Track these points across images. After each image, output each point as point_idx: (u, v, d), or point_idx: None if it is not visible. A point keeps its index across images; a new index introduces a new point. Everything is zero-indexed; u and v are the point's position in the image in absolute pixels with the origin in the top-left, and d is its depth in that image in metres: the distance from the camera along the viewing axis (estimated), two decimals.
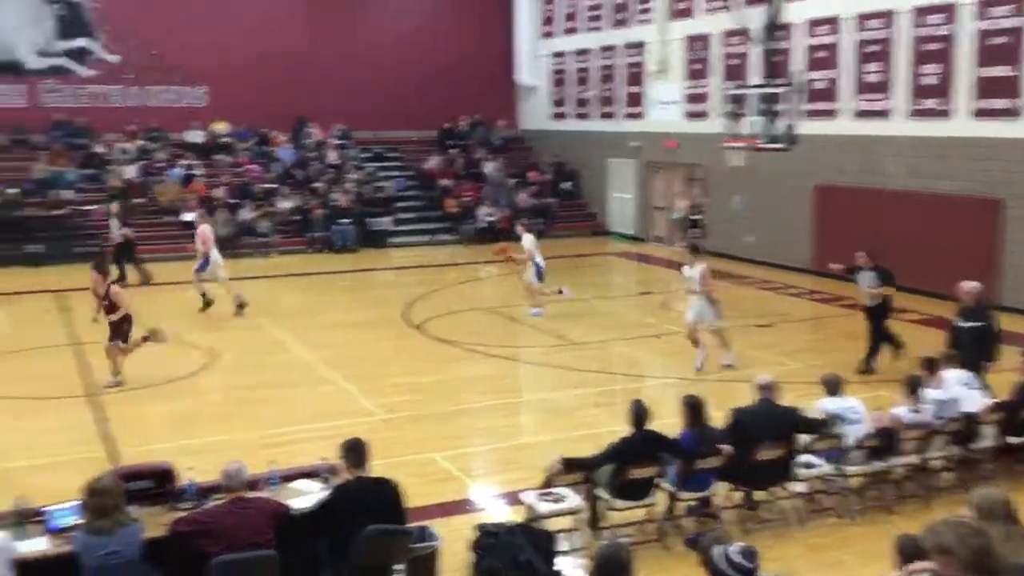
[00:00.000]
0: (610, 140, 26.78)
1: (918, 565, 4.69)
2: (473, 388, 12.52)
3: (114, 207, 20.85)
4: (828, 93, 19.70)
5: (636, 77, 25.72)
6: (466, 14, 29.62)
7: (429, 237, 25.90)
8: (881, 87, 18.64)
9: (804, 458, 8.23)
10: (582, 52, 27.94)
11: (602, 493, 7.60)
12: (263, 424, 10.76)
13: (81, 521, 5.86)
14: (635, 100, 25.83)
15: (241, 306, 16.82)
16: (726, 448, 7.83)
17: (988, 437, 8.91)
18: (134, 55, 26.53)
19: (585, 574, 5.97)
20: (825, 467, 8.30)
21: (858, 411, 8.59)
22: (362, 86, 28.12)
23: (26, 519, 6.16)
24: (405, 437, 10.24)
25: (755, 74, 20.93)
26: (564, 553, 7.19)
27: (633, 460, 7.48)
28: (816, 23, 19.97)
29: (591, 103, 27.72)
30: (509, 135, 30.59)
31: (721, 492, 8.10)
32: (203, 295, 16.84)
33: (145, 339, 12.62)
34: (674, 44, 24.13)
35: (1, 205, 22.96)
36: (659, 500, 7.79)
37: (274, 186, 25.74)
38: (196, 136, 26.91)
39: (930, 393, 8.76)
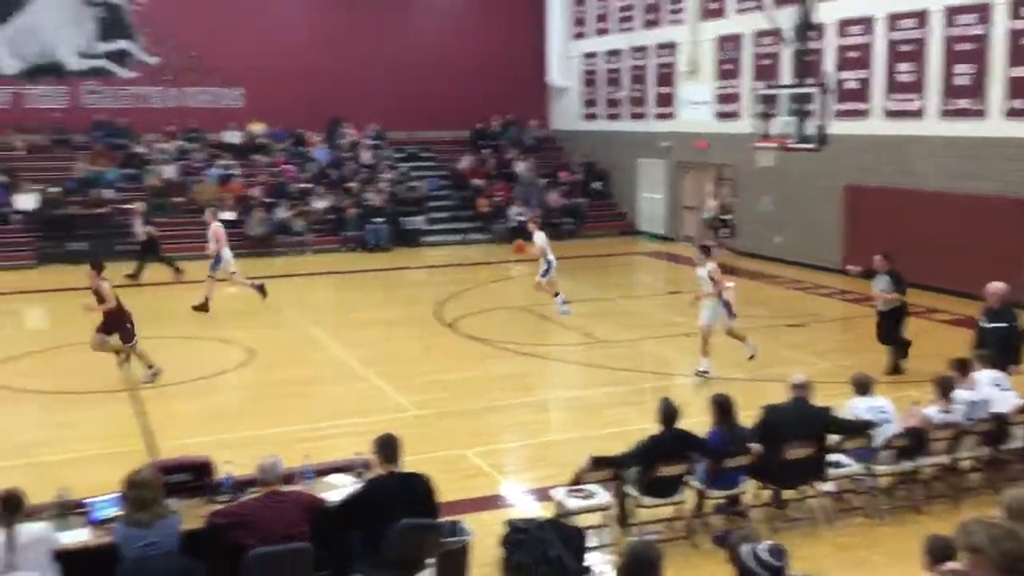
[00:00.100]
0: (640, 140, 26.78)
1: (947, 566, 4.71)
2: (504, 385, 12.63)
3: (138, 206, 21.10)
4: (860, 93, 19.60)
5: (667, 77, 25.70)
6: (498, 15, 29.73)
7: (461, 236, 26.05)
8: (913, 87, 18.52)
9: (833, 457, 8.25)
10: (613, 53, 27.95)
11: (631, 490, 7.67)
12: (298, 419, 10.94)
13: (121, 513, 5.97)
14: (666, 100, 25.82)
15: (261, 289, 17.03)
16: (755, 447, 7.88)
17: (1018, 438, 8.88)
18: (173, 57, 26.93)
19: (614, 570, 6.04)
20: (854, 466, 8.31)
21: (887, 411, 8.59)
22: (396, 87, 28.32)
23: (68, 511, 6.29)
24: (437, 433, 10.37)
25: (786, 74, 20.88)
26: (593, 549, 7.29)
27: (662, 458, 7.54)
28: (848, 23, 19.87)
29: (622, 103, 27.73)
30: (540, 135, 30.66)
31: (750, 490, 8.15)
32: (207, 298, 16.78)
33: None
34: (705, 44, 24.09)
35: (44, 204, 23.41)
36: (687, 498, 7.84)
37: (309, 186, 26.00)
38: (233, 137, 27.25)
39: (961, 394, 8.73)
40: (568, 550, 6.97)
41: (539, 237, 16.64)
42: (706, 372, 12.34)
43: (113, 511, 6.17)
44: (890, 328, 12.79)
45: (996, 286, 10.82)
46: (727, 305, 12.60)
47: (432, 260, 23.68)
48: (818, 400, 8.61)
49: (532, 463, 9.83)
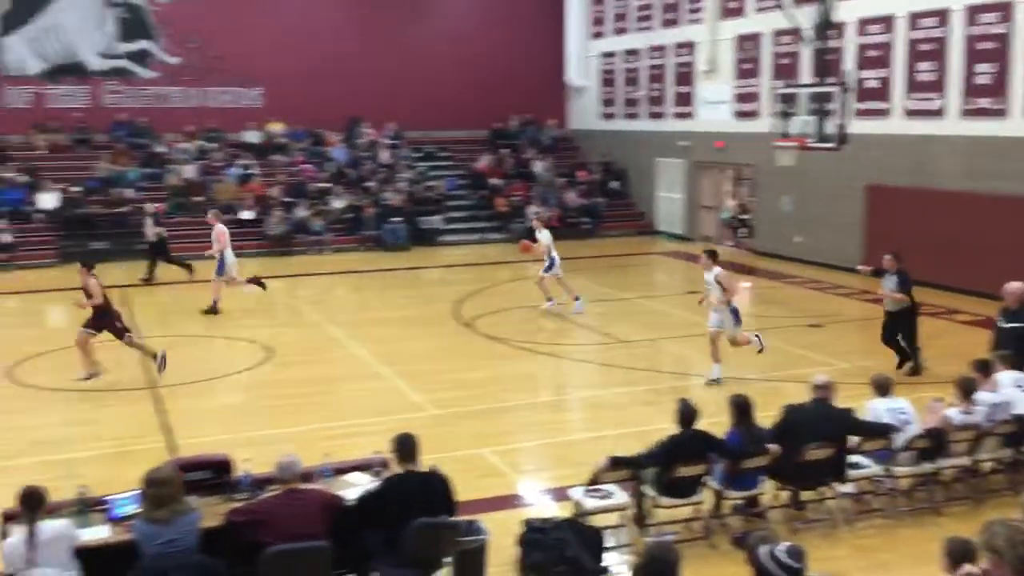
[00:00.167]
0: (659, 140, 26.73)
1: (967, 568, 4.69)
2: (521, 385, 12.64)
3: (148, 207, 21.17)
4: (880, 92, 19.50)
5: (685, 77, 25.64)
6: (516, 15, 29.75)
7: (479, 236, 26.08)
8: (934, 86, 18.40)
9: (852, 458, 8.21)
10: (631, 52, 27.91)
11: (648, 490, 7.66)
12: (317, 418, 10.98)
13: (140, 510, 6.00)
14: (684, 100, 25.76)
15: (259, 282, 17.11)
16: (773, 448, 7.85)
17: None
18: (193, 57, 27.10)
19: (631, 571, 6.03)
20: (874, 468, 8.28)
21: (907, 412, 8.54)
22: (414, 87, 28.39)
23: (88, 507, 6.34)
24: (454, 432, 10.39)
25: (806, 73, 20.82)
26: (611, 549, 7.28)
27: (681, 459, 7.51)
28: (868, 21, 19.76)
29: (640, 103, 27.69)
30: (558, 135, 30.65)
31: (768, 491, 8.11)
32: (215, 301, 16.73)
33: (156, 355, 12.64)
34: (724, 43, 24.02)
35: (65, 203, 23.60)
36: (705, 498, 7.82)
37: (328, 185, 26.11)
38: (253, 136, 27.40)
39: (983, 396, 8.67)
40: (585, 550, 6.96)
41: (544, 235, 16.72)
42: (717, 380, 12.12)
43: (132, 508, 6.21)
44: (895, 329, 12.62)
45: (1015, 286, 10.75)
46: (735, 312, 12.30)
47: (450, 259, 23.72)
48: (837, 401, 8.56)
49: (549, 462, 9.84)
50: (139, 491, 6.02)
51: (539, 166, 28.39)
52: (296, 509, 6.07)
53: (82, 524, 6.12)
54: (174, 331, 15.77)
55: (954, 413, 8.51)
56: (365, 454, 7.34)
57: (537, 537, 7.05)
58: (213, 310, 16.70)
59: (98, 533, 6.13)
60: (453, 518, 6.47)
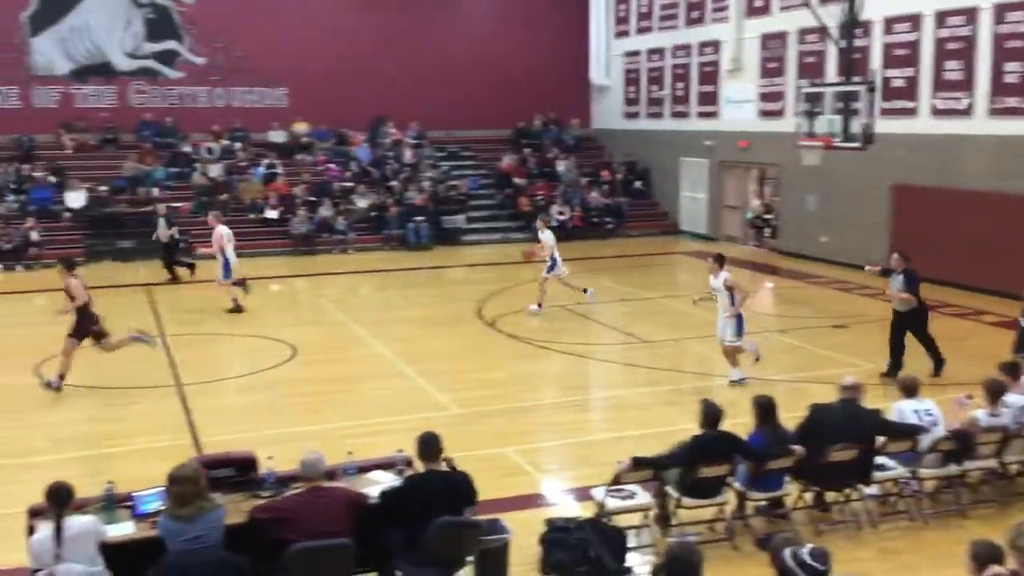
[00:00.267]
0: (683, 139, 26.64)
1: (994, 570, 4.66)
2: (544, 384, 12.64)
3: (160, 208, 21.27)
4: (907, 91, 19.33)
5: (710, 76, 25.54)
6: (540, 14, 29.73)
7: (502, 235, 26.09)
8: (962, 85, 18.22)
9: (878, 460, 8.16)
10: (655, 51, 27.83)
11: (672, 491, 7.64)
12: (340, 416, 11.03)
13: (165, 507, 6.05)
14: (708, 99, 25.65)
15: (242, 283, 17.05)
16: (798, 449, 7.81)
17: None
18: (219, 57, 27.29)
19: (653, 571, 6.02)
20: (899, 469, 8.22)
21: (934, 413, 8.47)
22: (438, 87, 28.44)
23: (115, 504, 6.38)
24: (477, 431, 10.40)
25: (832, 72, 20.69)
26: (633, 550, 7.27)
27: (705, 460, 7.49)
28: (895, 20, 19.60)
29: (664, 102, 27.60)
30: (582, 134, 30.61)
31: (792, 493, 8.07)
32: (235, 299, 16.85)
33: (135, 339, 12.56)
34: (749, 42, 23.91)
35: (93, 202, 23.83)
36: (729, 499, 7.79)
37: (351, 184, 26.22)
38: (278, 136, 27.56)
39: (1012, 398, 8.58)
40: (608, 550, 6.97)
41: (546, 236, 16.70)
42: (741, 381, 12.01)
43: (157, 505, 6.25)
44: (903, 329, 12.36)
45: None
46: (739, 320, 11.99)
47: (472, 259, 23.75)
48: (863, 402, 8.50)
49: (572, 462, 9.83)
50: (164, 488, 6.06)
51: (562, 165, 28.38)
52: (320, 507, 6.09)
53: (108, 520, 6.16)
54: (199, 330, 15.91)
55: (981, 415, 8.45)
56: (388, 452, 7.36)
57: (559, 537, 7.07)
58: (237, 309, 16.78)
59: (124, 529, 6.17)
60: (469, 514, 6.47)
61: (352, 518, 6.18)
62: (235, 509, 6.30)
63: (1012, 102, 17.28)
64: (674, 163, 27.28)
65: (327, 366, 13.47)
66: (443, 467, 6.57)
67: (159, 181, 25.07)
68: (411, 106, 28.08)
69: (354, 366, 13.44)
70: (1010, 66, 17.26)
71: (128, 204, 23.95)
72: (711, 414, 7.62)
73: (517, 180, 27.61)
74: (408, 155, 27.56)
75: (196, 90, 27.42)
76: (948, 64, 18.49)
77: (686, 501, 7.58)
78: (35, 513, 6.14)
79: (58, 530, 5.68)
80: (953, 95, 18.42)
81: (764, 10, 23.34)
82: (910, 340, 12.43)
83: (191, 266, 20.24)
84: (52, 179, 24.33)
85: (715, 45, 25.15)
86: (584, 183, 27.84)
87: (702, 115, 25.97)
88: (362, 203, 25.53)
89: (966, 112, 18.17)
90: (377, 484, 6.80)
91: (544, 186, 27.46)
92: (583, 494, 8.27)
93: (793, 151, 19.30)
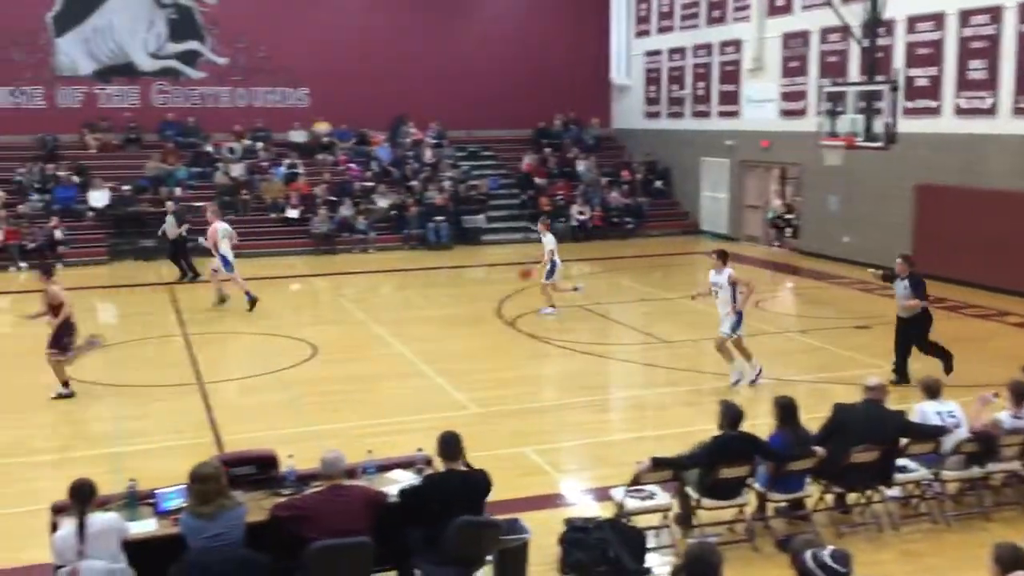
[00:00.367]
0: (703, 139, 26.55)
1: (1017, 575, 4.62)
2: (563, 384, 12.63)
3: (170, 206, 21.32)
4: (930, 90, 19.19)
5: (731, 75, 25.44)
6: (560, 14, 29.72)
7: (522, 235, 26.09)
8: (986, 84, 18.06)
9: (900, 462, 8.10)
10: (676, 50, 27.75)
11: (691, 492, 7.62)
12: (361, 415, 11.07)
13: (186, 504, 6.10)
14: (729, 98, 25.56)
15: (222, 300, 17.04)
16: (819, 450, 7.77)
17: None
18: (241, 58, 27.44)
19: (672, 572, 6.00)
20: (921, 471, 8.16)
21: (957, 415, 8.41)
22: (458, 86, 28.49)
23: (137, 501, 6.42)
24: (497, 431, 10.41)
25: (854, 71, 20.57)
26: (653, 550, 7.26)
27: (725, 460, 7.46)
28: (918, 19, 19.46)
29: (685, 102, 27.52)
30: (602, 134, 30.57)
31: (813, 494, 8.02)
32: (247, 293, 16.81)
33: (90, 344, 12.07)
34: (771, 41, 23.81)
35: (116, 201, 24.02)
36: (749, 500, 7.75)
37: (372, 184, 26.30)
38: (299, 136, 27.67)
39: None
40: (627, 550, 6.96)
41: (547, 239, 16.60)
42: (759, 375, 11.95)
43: (178, 502, 6.30)
44: (908, 336, 12.13)
45: None
46: (739, 315, 11.86)
47: (492, 258, 23.76)
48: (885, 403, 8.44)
49: (591, 462, 9.82)
50: (186, 485, 6.10)
51: (582, 165, 28.36)
52: (340, 505, 6.11)
53: (131, 517, 6.21)
54: (220, 328, 16.00)
55: (1005, 417, 8.38)
56: (408, 451, 7.38)
57: (579, 537, 7.06)
58: (253, 302, 16.78)
59: (146, 526, 6.22)
60: (483, 512, 6.47)
61: (372, 517, 6.19)
62: (256, 507, 6.33)
63: None
64: (695, 163, 27.20)
65: (347, 365, 13.52)
66: (463, 467, 6.58)
67: (181, 181, 25.22)
68: (431, 106, 28.14)
69: (374, 365, 13.48)
70: None
71: (151, 203, 24.10)
72: (731, 414, 7.59)
73: (537, 180, 27.61)
74: (428, 155, 27.60)
75: (218, 90, 27.57)
76: (972, 63, 18.34)
77: (706, 502, 7.55)
78: (58, 510, 6.18)
79: (81, 527, 5.72)
80: (977, 94, 18.27)
81: (786, 9, 23.23)
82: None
83: (195, 275, 20.05)
84: (76, 178, 24.53)
85: (736, 44, 25.05)
86: (604, 183, 27.80)
87: (723, 115, 25.87)
88: (382, 203, 25.60)
89: (990, 111, 18.01)
90: (397, 483, 6.82)
91: (564, 186, 27.45)
92: (602, 494, 8.25)
93: (815, 151, 19.22)
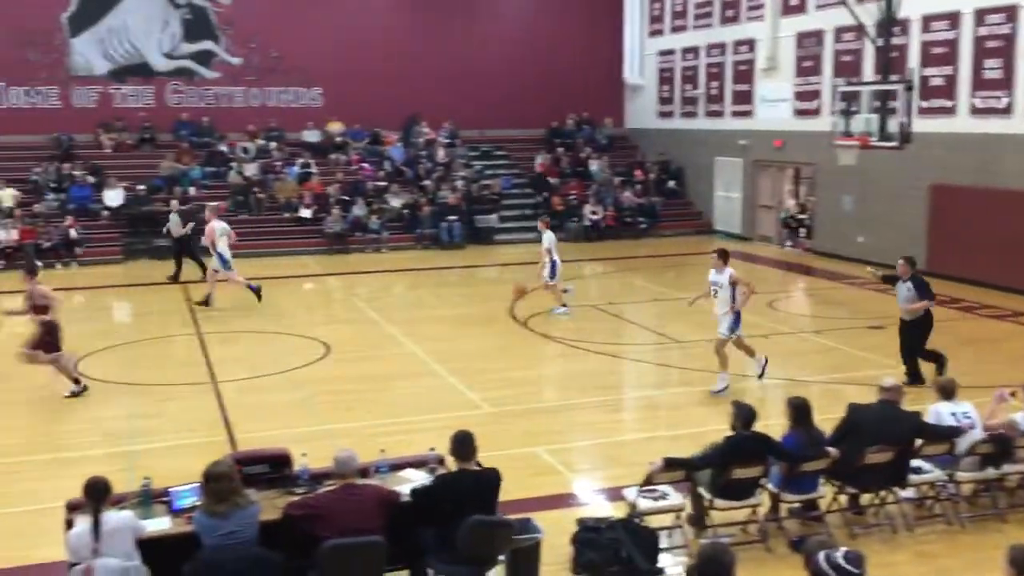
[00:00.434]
0: (717, 138, 26.50)
1: None
2: (576, 384, 12.62)
3: (175, 204, 21.32)
4: (945, 90, 19.09)
5: (744, 75, 25.38)
6: (574, 13, 29.71)
7: (534, 234, 26.01)
8: (1001, 84, 17.96)
9: (914, 463, 8.07)
10: (690, 50, 27.70)
11: (704, 492, 7.61)
12: (374, 414, 11.09)
13: (199, 503, 6.12)
14: (743, 98, 25.49)
15: (206, 302, 17.00)
16: (832, 451, 7.74)
17: None
18: (254, 58, 27.53)
19: (685, 572, 5.98)
20: (936, 472, 8.12)
21: (972, 416, 8.37)
22: (471, 86, 28.51)
23: (151, 499, 6.45)
24: (509, 431, 10.41)
25: (868, 71, 20.49)
26: (665, 550, 7.25)
27: (738, 461, 7.44)
28: (933, 18, 19.36)
29: (698, 101, 27.46)
30: (615, 134, 30.54)
31: (827, 495, 7.99)
32: (249, 286, 16.93)
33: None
34: (785, 40, 23.73)
35: (131, 200, 24.13)
36: (763, 501, 7.73)
37: (385, 184, 26.34)
38: (312, 136, 27.74)
39: None
40: (640, 550, 6.95)
41: (547, 238, 16.57)
42: (764, 368, 11.88)
43: (192, 500, 6.33)
44: (912, 341, 11.99)
45: None
46: (737, 315, 11.72)
47: (505, 258, 23.76)
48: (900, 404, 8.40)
49: (604, 462, 9.81)
50: (199, 484, 6.12)
51: (595, 165, 28.33)
52: (352, 504, 6.12)
53: (146, 515, 6.24)
54: (233, 327, 16.05)
55: (1020, 418, 8.34)
56: (420, 451, 7.39)
57: (591, 537, 7.05)
58: (256, 291, 16.90)
59: (160, 525, 6.24)
60: (495, 512, 6.47)
61: (384, 516, 6.20)
62: (269, 505, 6.34)
63: None
64: (708, 162, 27.14)
65: (360, 364, 13.54)
66: (475, 466, 6.58)
67: (195, 180, 25.33)
68: (444, 106, 28.17)
69: (387, 364, 13.50)
70: None
71: (165, 203, 24.18)
72: (744, 415, 7.57)
73: (550, 180, 27.60)
74: (441, 154, 27.63)
75: (232, 90, 27.67)
76: (987, 62, 18.24)
77: (719, 502, 7.54)
78: (73, 508, 6.21)
79: (96, 524, 5.75)
80: (992, 94, 18.17)
81: (800, 8, 23.16)
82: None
83: (203, 269, 19.99)
84: (91, 178, 24.66)
85: (750, 44, 24.99)
86: (617, 183, 27.77)
87: (737, 114, 25.81)
88: (395, 202, 25.63)
89: (1006, 111, 17.91)
90: (409, 482, 6.83)
91: (577, 186, 27.43)
92: (615, 494, 8.24)
93: (829, 150, 19.16)
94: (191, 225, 20.44)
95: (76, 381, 11.87)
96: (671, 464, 7.45)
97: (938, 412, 8.34)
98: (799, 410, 7.87)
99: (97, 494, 5.85)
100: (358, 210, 24.85)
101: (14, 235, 22.21)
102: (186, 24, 27.15)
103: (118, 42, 26.69)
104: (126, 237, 23.49)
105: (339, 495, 6.19)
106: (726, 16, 26.00)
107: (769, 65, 24.19)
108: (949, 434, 8.10)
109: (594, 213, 26.18)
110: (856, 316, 16.27)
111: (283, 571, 5.89)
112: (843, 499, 8.07)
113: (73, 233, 22.57)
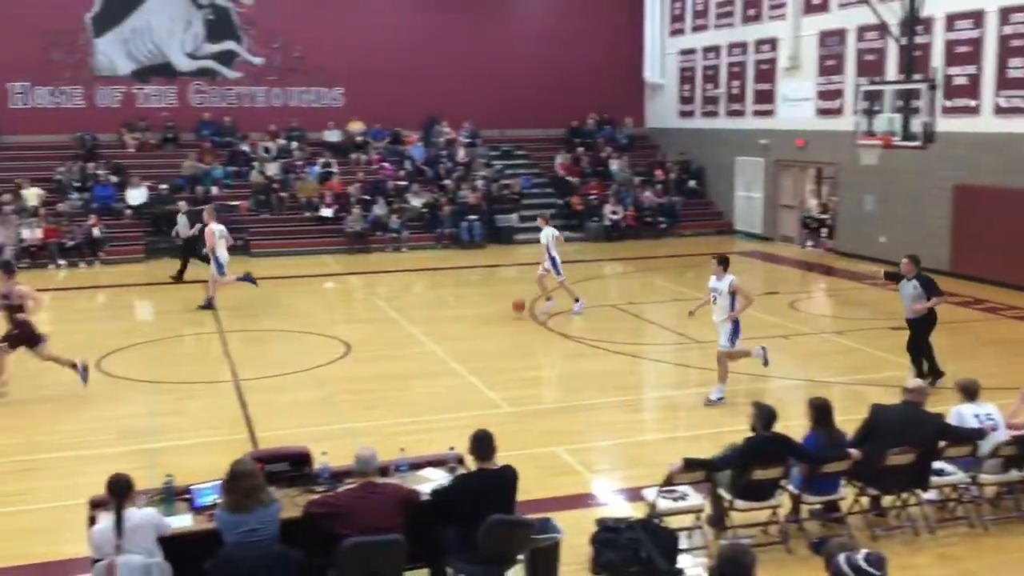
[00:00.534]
0: (738, 138, 26.39)
1: None
2: (596, 384, 12.60)
3: (182, 206, 21.39)
4: (969, 89, 18.94)
5: (766, 74, 25.27)
6: (594, 13, 29.66)
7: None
8: None
9: (936, 465, 8.01)
10: (711, 49, 27.61)
11: (724, 493, 7.58)
12: (394, 413, 11.12)
13: (222, 500, 6.13)
14: (765, 97, 25.38)
15: (209, 305, 16.92)
16: (854, 452, 7.70)
17: None
18: (276, 58, 27.66)
19: (706, 573, 5.97)
20: (958, 474, 8.07)
21: (995, 418, 8.30)
22: (491, 86, 28.53)
23: (173, 496, 6.50)
24: (529, 430, 10.41)
25: (892, 70, 20.35)
26: (685, 551, 7.23)
27: (758, 462, 7.41)
28: (957, 17, 19.21)
29: (719, 100, 27.37)
30: (635, 133, 30.48)
31: (848, 496, 7.95)
32: (241, 278, 16.88)
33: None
34: (807, 39, 23.61)
35: (153, 199, 24.30)
36: (783, 502, 7.70)
37: (405, 183, 26.40)
38: (333, 135, 27.84)
39: None
40: (659, 551, 6.93)
41: (544, 234, 16.60)
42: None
43: (214, 498, 6.35)
44: (916, 336, 11.92)
45: None
46: (735, 324, 11.50)
47: (525, 257, 23.73)
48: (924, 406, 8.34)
49: (623, 462, 9.79)
50: (221, 481, 6.16)
51: (616, 165, 28.28)
52: (373, 503, 6.14)
53: (168, 513, 6.28)
54: (255, 325, 16.14)
55: None
56: (440, 450, 7.40)
57: (610, 537, 7.04)
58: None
59: (182, 522, 6.28)
60: (514, 511, 6.47)
61: (404, 514, 6.22)
62: (290, 503, 6.37)
63: None
64: (729, 162, 27.04)
65: (380, 363, 13.58)
66: (494, 466, 6.59)
67: (217, 180, 25.48)
68: (465, 105, 28.20)
69: (407, 364, 13.53)
70: None
71: (187, 202, 24.33)
72: (764, 416, 7.54)
73: (570, 179, 27.58)
74: (462, 154, 27.67)
75: (254, 90, 27.82)
76: (1012, 61, 18.08)
77: (739, 503, 7.51)
78: (96, 504, 6.27)
79: (119, 521, 5.79)
80: (1017, 93, 18.00)
81: (822, 7, 23.03)
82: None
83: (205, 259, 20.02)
84: (114, 177, 24.86)
85: (772, 43, 24.87)
86: (637, 182, 27.71)
87: (758, 113, 25.71)
88: (416, 202, 25.69)
89: None
90: (429, 481, 6.84)
91: (597, 185, 27.40)
92: (634, 494, 8.23)
93: (851, 150, 19.05)
94: (199, 227, 20.55)
95: (73, 365, 11.91)
96: (691, 465, 7.42)
97: (961, 414, 8.28)
98: (820, 411, 7.83)
99: (120, 491, 5.90)
100: (378, 209, 24.92)
101: (39, 234, 22.41)
102: (209, 24, 27.31)
103: (141, 42, 26.88)
104: (149, 236, 23.66)
105: (359, 493, 6.21)
106: (748, 15, 25.89)
107: (791, 64, 24.07)
108: (972, 436, 8.03)
109: (614, 213, 26.13)
110: (878, 317, 16.16)
111: (304, 569, 5.92)
112: (864, 501, 8.02)
113: (96, 232, 22.75)
